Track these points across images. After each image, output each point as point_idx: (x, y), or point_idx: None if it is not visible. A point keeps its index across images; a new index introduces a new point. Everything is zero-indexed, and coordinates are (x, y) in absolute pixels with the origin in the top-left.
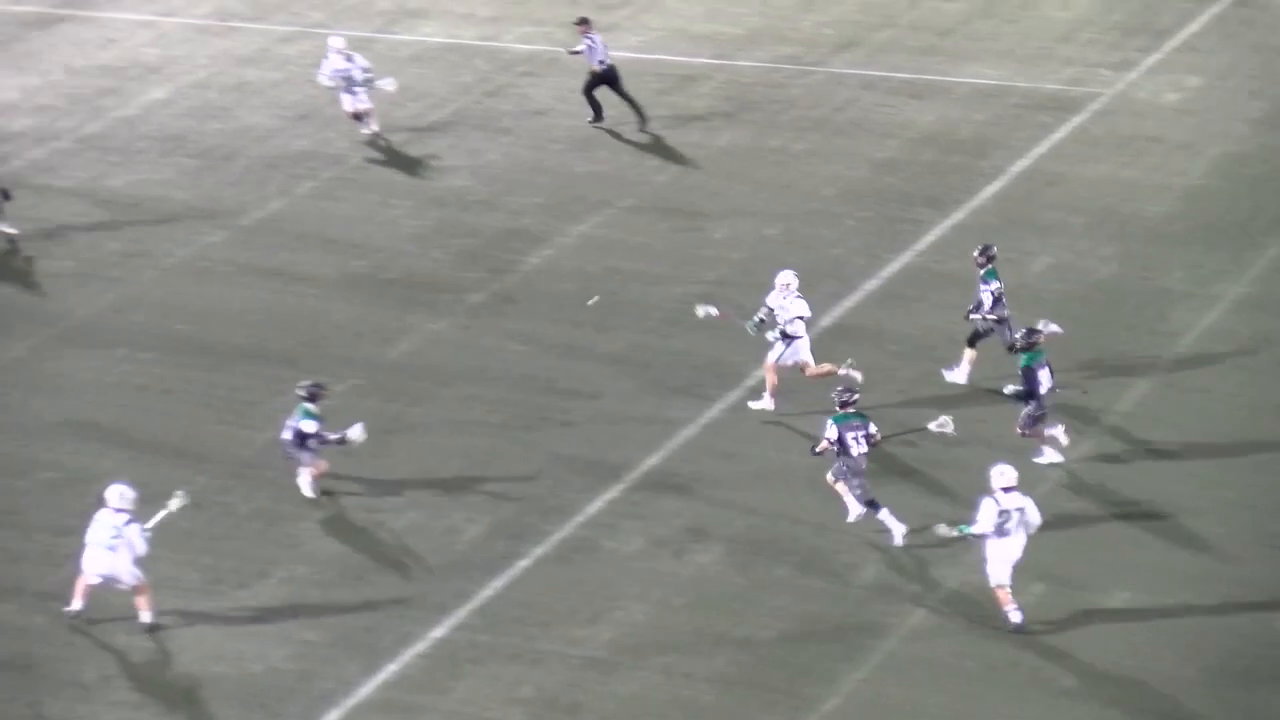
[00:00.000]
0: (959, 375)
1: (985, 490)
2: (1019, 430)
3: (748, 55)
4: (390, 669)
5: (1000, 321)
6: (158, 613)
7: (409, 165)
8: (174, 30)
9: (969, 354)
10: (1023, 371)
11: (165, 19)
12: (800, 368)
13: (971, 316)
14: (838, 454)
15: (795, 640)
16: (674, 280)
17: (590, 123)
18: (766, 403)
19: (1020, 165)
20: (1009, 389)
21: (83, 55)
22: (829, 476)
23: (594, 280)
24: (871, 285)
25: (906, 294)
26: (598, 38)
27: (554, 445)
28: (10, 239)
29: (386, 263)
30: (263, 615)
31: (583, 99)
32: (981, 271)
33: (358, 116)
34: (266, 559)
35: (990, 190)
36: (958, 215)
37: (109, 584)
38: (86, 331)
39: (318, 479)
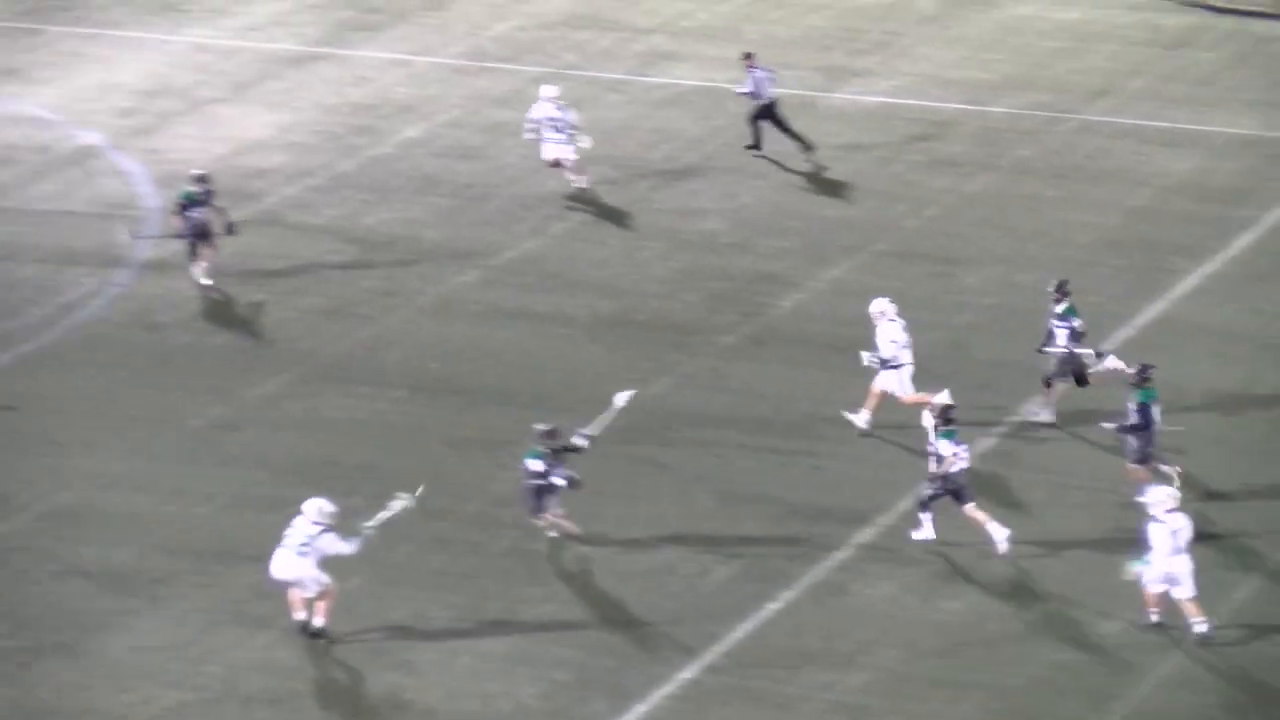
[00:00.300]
0: (1046, 415)
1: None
2: (1130, 464)
3: (1000, 101)
4: (639, 709)
5: (1066, 360)
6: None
7: (661, 208)
8: (427, 70)
9: (1049, 391)
10: (1138, 408)
11: (419, 58)
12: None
13: (1044, 350)
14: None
15: (1044, 688)
16: (925, 326)
17: (747, 147)
18: (862, 418)
19: (1276, 215)
20: (1111, 425)
21: (336, 93)
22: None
23: (845, 325)
24: (1126, 333)
25: (1160, 343)
26: (762, 71)
27: (805, 488)
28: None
29: (638, 305)
30: (511, 653)
31: (785, 135)
32: (1058, 309)
33: (557, 164)
34: (516, 597)
35: (1245, 240)
36: (1212, 265)
37: (291, 587)
38: (337, 369)
39: (558, 521)
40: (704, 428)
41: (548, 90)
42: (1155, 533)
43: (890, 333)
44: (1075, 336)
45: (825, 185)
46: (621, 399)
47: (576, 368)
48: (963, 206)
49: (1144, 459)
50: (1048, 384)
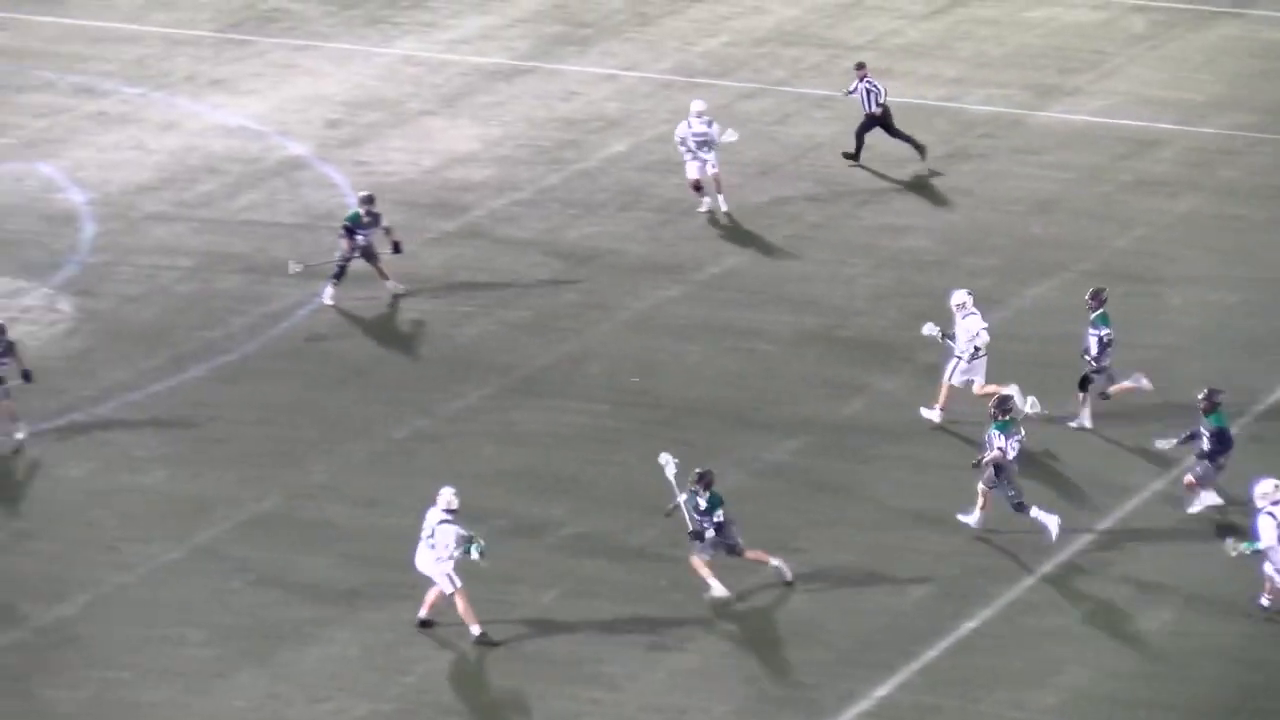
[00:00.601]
0: (1085, 420)
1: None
2: (1190, 480)
3: (1210, 122)
4: None
5: (1100, 371)
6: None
7: (866, 224)
8: (636, 85)
9: (1082, 397)
10: (1216, 433)
11: (628, 73)
12: (970, 385)
13: (1085, 357)
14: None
15: (1241, 709)
16: (1128, 346)
17: (845, 155)
18: (935, 414)
19: None
20: (1164, 443)
21: (544, 108)
22: (980, 485)
23: (1049, 343)
24: None
25: None
26: (875, 81)
27: (1004, 507)
28: (396, 295)
29: (840, 321)
30: (706, 668)
31: (895, 140)
32: (1092, 315)
33: (698, 187)
34: (711, 611)
35: None
36: None
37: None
38: (541, 381)
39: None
40: (903, 444)
41: (696, 105)
42: (1263, 524)
43: (970, 325)
44: (1103, 346)
45: (1032, 204)
46: (668, 464)
47: (777, 384)
48: (1170, 227)
49: (1208, 481)
50: (1098, 392)
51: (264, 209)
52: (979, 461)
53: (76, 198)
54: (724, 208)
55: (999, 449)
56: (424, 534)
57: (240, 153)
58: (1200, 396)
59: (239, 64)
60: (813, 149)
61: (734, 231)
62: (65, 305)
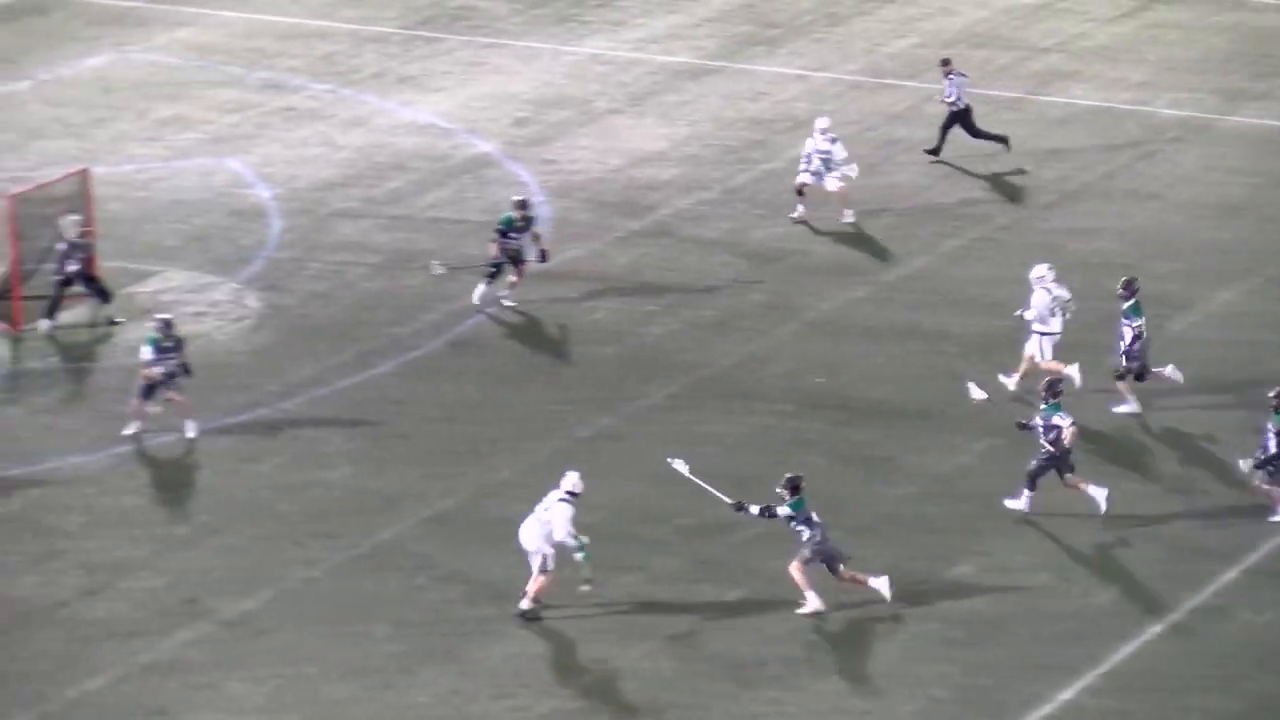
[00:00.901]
0: (1131, 407)
1: None
2: (1257, 484)
3: None
4: None
5: (1133, 361)
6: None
7: (1053, 227)
8: (825, 85)
9: (1123, 386)
10: (1278, 432)
11: (817, 74)
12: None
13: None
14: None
15: None
16: None
17: (926, 151)
18: (1072, 372)
19: None
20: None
21: (733, 107)
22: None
23: (1235, 348)
24: None
25: None
26: (960, 78)
27: (1185, 516)
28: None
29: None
30: (891, 670)
31: (980, 139)
32: (1124, 306)
33: (801, 191)
34: (897, 613)
35: None
36: None
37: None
38: (725, 382)
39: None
40: (1092, 447)
41: (820, 123)
42: None
43: (1045, 299)
44: (1136, 337)
45: (1222, 209)
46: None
47: (961, 386)
48: None
49: (1273, 480)
50: (1138, 377)
51: (451, 206)
52: (1050, 454)
53: (264, 193)
54: (849, 218)
55: (1070, 427)
56: (536, 508)
57: (428, 150)
58: (1271, 395)
59: (427, 61)
60: (1000, 150)
61: (921, 233)
62: (252, 301)
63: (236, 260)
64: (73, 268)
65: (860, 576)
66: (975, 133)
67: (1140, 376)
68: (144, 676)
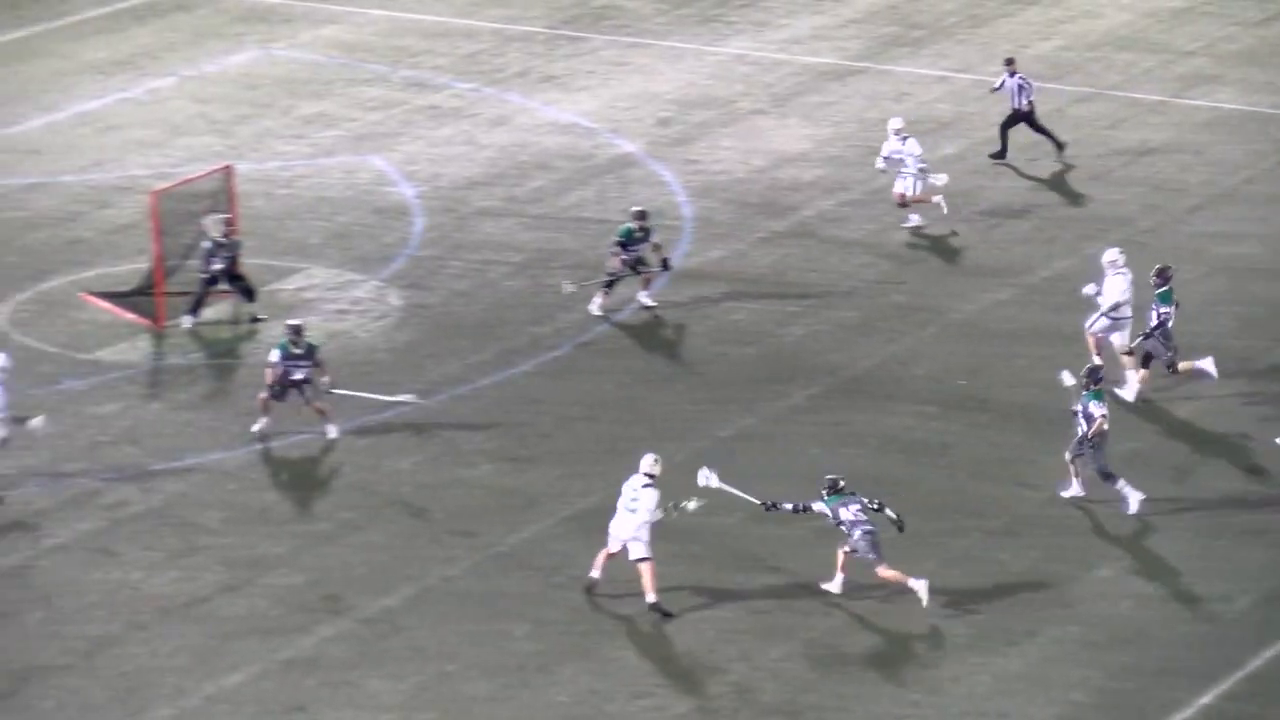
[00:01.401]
0: (1129, 391)
1: None
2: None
3: None
4: None
5: (1164, 338)
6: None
7: (1198, 231)
8: (967, 87)
9: (1141, 374)
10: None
11: (959, 75)
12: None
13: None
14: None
15: None
16: None
17: (992, 156)
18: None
19: None
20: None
21: (876, 108)
22: (1066, 454)
23: None
24: None
25: None
26: (1023, 78)
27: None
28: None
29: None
30: (1030, 673)
31: (1041, 135)
32: (1157, 292)
33: (904, 203)
34: (1037, 617)
35: None
36: None
37: (611, 543)
38: (867, 383)
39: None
40: (1233, 455)
41: (893, 123)
42: None
43: (1116, 284)
44: (1163, 322)
45: None
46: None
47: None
48: None
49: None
50: (1169, 368)
51: (594, 206)
52: (1083, 437)
53: (407, 191)
54: (914, 222)
55: (1103, 415)
56: (625, 501)
57: (571, 149)
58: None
59: (571, 60)
60: (1145, 154)
61: (1064, 235)
62: (394, 299)
63: (379, 258)
64: (217, 266)
65: (899, 576)
66: (1040, 130)
67: (1171, 366)
68: (283, 673)
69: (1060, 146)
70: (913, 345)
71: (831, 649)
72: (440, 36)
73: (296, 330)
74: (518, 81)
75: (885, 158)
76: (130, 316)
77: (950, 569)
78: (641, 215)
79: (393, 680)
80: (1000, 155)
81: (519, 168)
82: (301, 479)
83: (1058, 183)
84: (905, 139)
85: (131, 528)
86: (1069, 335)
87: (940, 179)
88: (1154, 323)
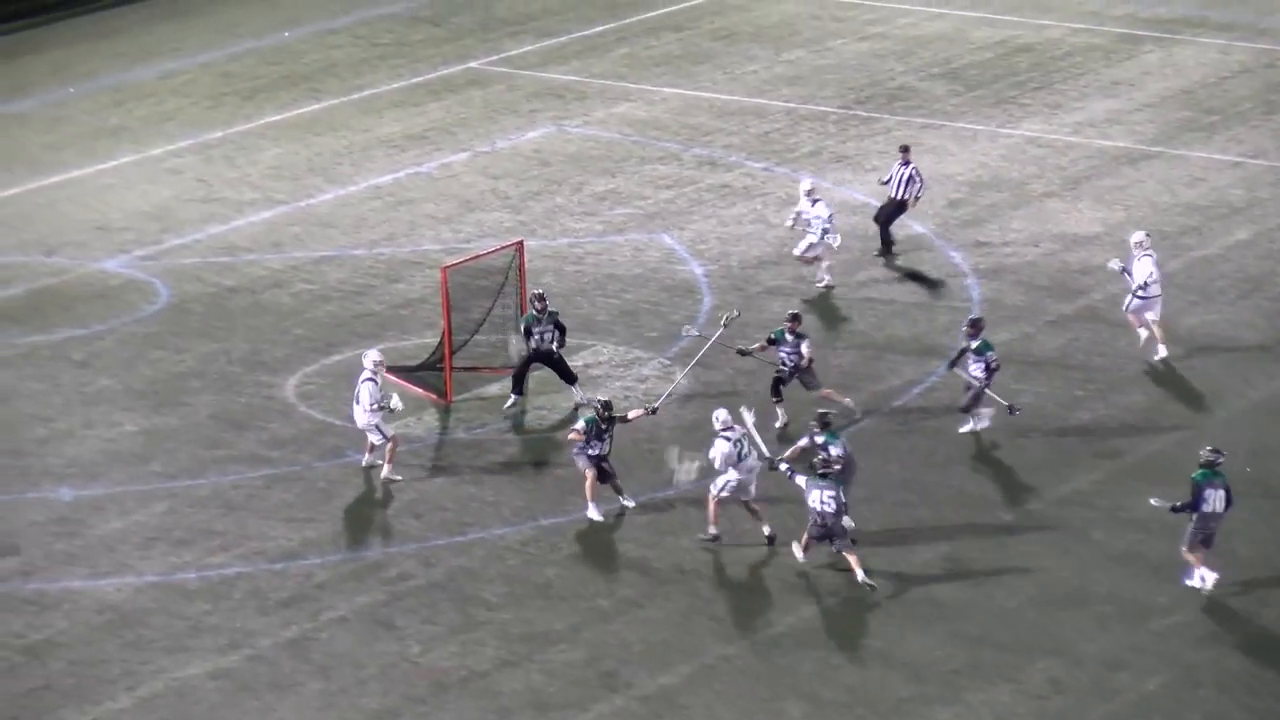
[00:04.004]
0: (980, 423)
1: None
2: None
3: None
4: None
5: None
6: None
7: None
8: (1262, 173)
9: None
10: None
11: (1254, 161)
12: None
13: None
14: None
15: None
16: None
17: (877, 254)
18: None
19: None
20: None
21: (1168, 192)
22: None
23: None
24: None
25: None
26: (915, 169)
27: None
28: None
29: None
30: None
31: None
32: (973, 345)
33: (807, 261)
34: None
35: None
36: None
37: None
38: (1151, 468)
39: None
40: None
41: (805, 185)
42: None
43: (1145, 265)
44: (992, 369)
45: None
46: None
47: None
48: None
49: (1200, 543)
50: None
51: (883, 286)
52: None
53: (696, 269)
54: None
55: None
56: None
57: (861, 230)
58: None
59: (863, 140)
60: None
61: None
62: (681, 377)
63: (665, 336)
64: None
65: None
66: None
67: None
68: None
69: (889, 248)
70: (1199, 431)
71: None
72: (732, 115)
73: (607, 406)
74: (809, 161)
75: (795, 216)
76: (418, 391)
77: (1235, 653)
78: (795, 318)
79: None
80: (886, 250)
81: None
82: (583, 554)
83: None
84: (815, 201)
85: (411, 601)
86: None
87: (836, 240)
88: (983, 372)
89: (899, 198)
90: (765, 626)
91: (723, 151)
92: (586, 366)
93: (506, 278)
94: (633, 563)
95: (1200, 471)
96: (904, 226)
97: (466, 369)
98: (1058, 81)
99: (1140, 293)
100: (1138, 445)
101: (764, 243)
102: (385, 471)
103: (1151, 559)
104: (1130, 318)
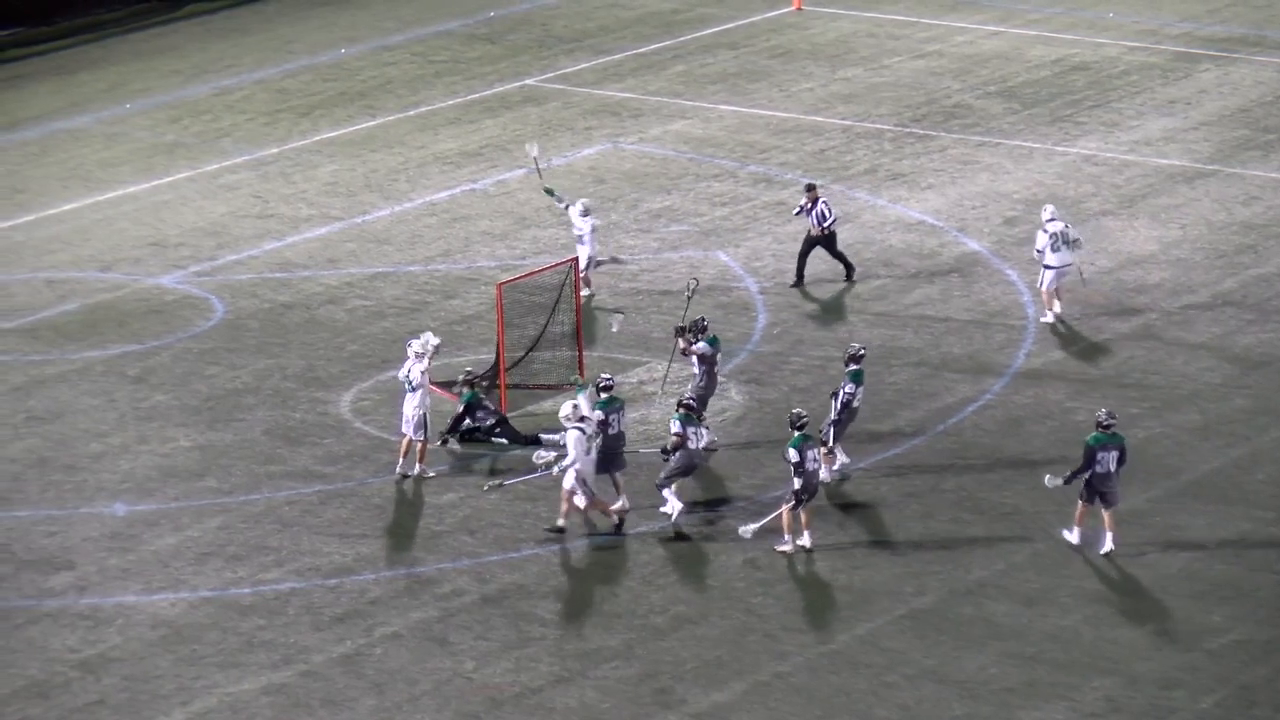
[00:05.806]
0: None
1: None
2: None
3: None
4: None
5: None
6: None
7: None
8: None
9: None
10: (1086, 450)
11: None
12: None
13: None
14: None
15: None
16: None
17: (792, 285)
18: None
19: None
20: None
21: (1225, 211)
22: None
23: None
24: None
25: None
26: (825, 202)
27: None
28: None
29: None
30: None
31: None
32: (847, 370)
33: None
34: None
35: None
36: None
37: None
38: (1206, 487)
39: None
40: None
41: (575, 209)
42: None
43: (1040, 237)
44: (847, 402)
45: None
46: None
47: None
48: None
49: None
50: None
51: (938, 304)
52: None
53: (751, 287)
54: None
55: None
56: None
57: (917, 247)
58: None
59: (919, 159)
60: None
61: None
62: (735, 394)
63: (722, 353)
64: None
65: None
66: (836, 255)
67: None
68: None
69: (850, 273)
70: (1255, 450)
71: None
72: (788, 133)
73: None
74: (865, 178)
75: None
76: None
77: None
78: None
79: None
80: (798, 283)
81: (864, 264)
82: (635, 570)
83: None
84: (586, 216)
85: (465, 617)
86: None
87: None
88: (840, 403)
89: (822, 232)
90: (819, 644)
91: (778, 169)
92: (641, 384)
93: (560, 295)
94: (687, 579)
95: (1094, 435)
96: (959, 244)
97: (518, 387)
98: (1114, 100)
99: (1041, 260)
100: (1193, 464)
101: (821, 260)
102: (417, 469)
103: (1207, 578)
104: (1043, 294)
